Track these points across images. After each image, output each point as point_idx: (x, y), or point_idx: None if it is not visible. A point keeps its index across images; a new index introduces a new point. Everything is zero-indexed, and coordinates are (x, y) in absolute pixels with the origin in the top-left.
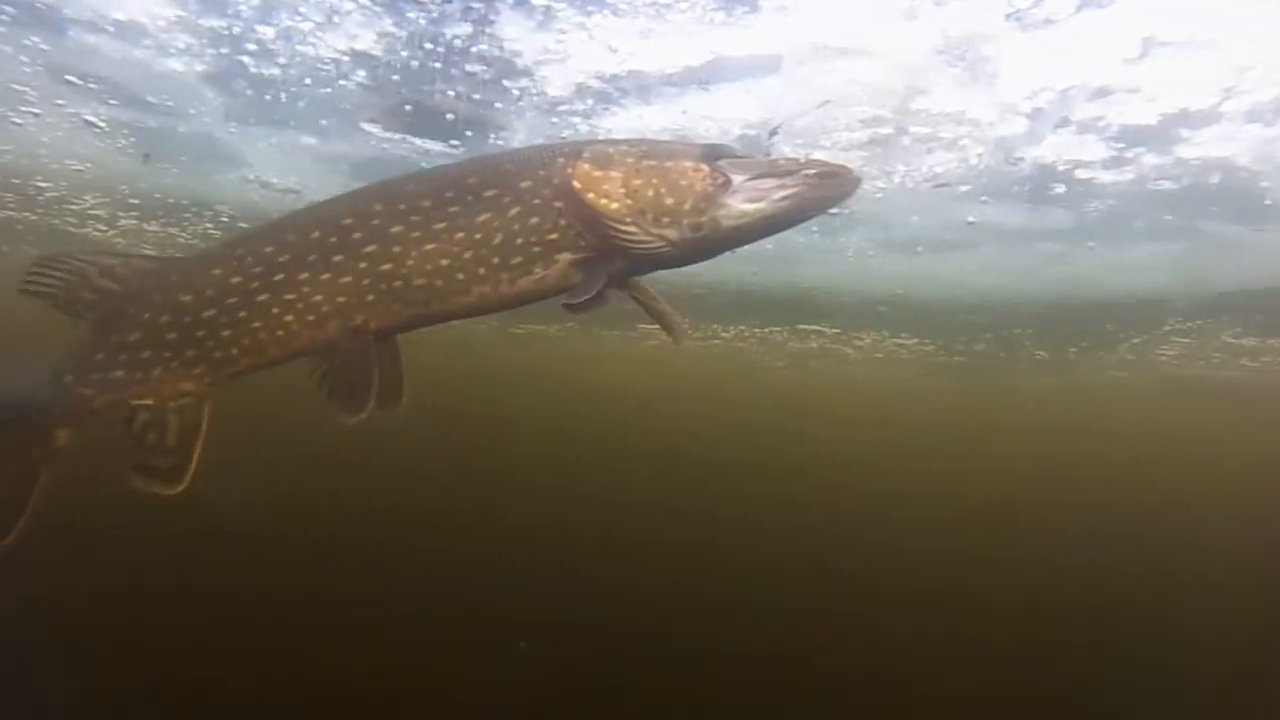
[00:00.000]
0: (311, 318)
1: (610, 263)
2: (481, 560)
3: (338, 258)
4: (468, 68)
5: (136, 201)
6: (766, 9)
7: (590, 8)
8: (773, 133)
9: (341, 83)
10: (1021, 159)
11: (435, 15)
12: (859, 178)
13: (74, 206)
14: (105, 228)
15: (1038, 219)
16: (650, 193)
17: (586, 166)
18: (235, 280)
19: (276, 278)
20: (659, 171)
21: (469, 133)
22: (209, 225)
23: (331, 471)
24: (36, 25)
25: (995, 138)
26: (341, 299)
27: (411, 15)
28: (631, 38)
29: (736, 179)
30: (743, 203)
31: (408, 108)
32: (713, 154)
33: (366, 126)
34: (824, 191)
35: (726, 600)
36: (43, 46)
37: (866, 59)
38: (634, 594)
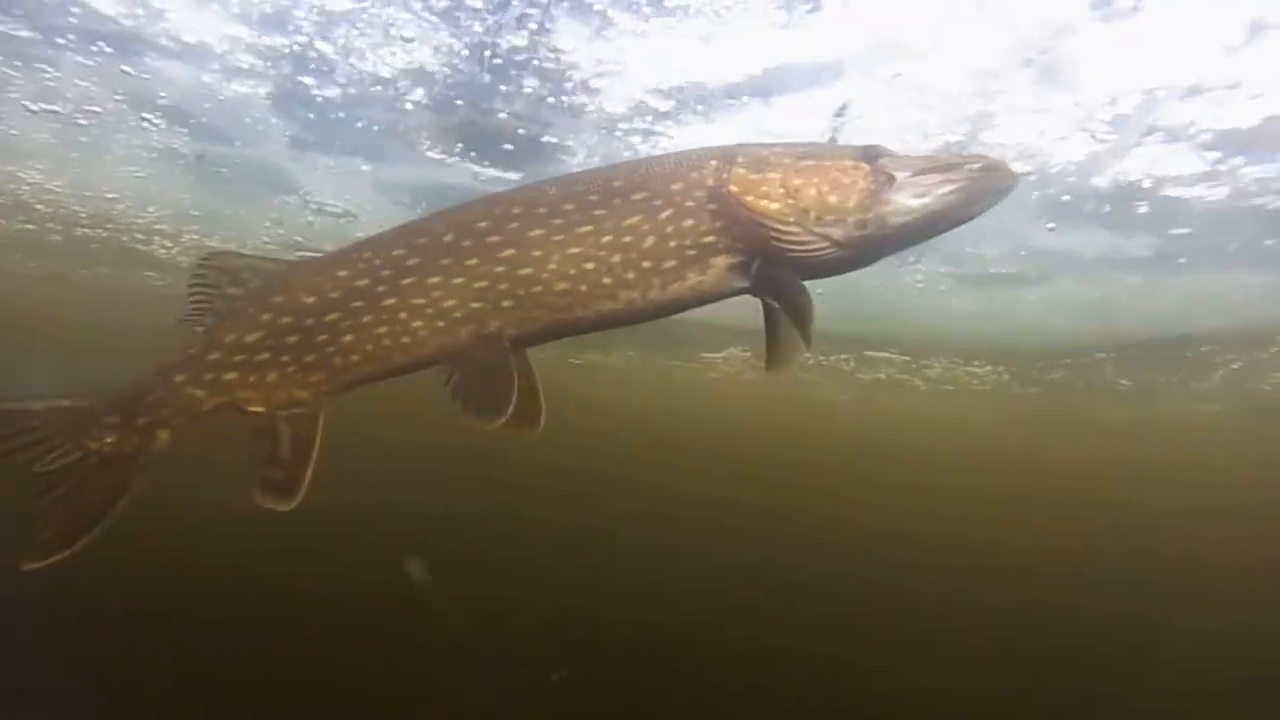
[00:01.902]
0: (442, 323)
1: (773, 267)
2: (549, 610)
3: (472, 261)
4: (525, 83)
5: (197, 214)
6: (830, 6)
7: (647, 10)
8: (840, 112)
9: (401, 103)
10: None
11: (491, 24)
12: (1018, 173)
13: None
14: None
15: (1118, 245)
16: (812, 191)
17: (742, 170)
18: (361, 283)
19: (405, 281)
20: (819, 171)
21: (528, 157)
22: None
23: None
24: (119, 51)
25: (1076, 150)
26: (476, 304)
27: (467, 24)
28: (691, 44)
29: (900, 175)
30: (909, 199)
31: (467, 128)
32: (871, 154)
33: (427, 153)
34: (987, 185)
35: (798, 651)
36: (124, 69)
37: (934, 61)
38: (706, 643)
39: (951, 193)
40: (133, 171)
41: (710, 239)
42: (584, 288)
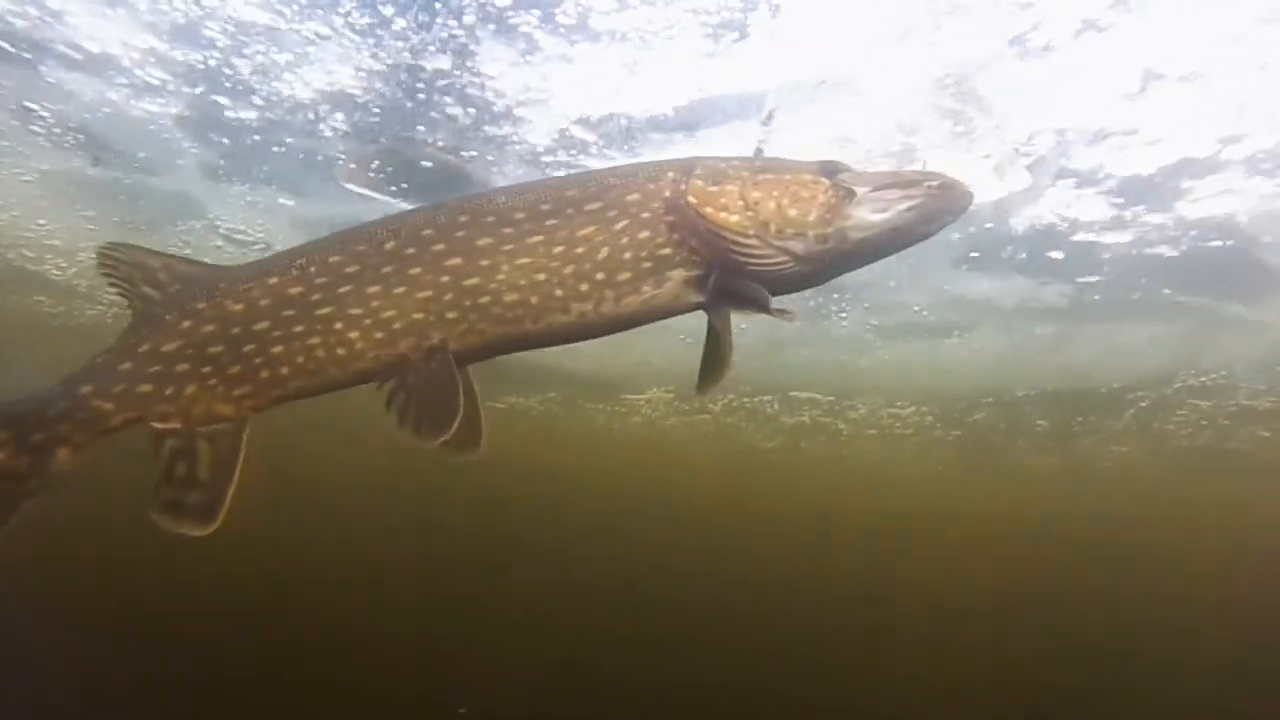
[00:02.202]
0: (380, 335)
1: (731, 281)
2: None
3: (415, 270)
4: (449, 109)
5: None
6: (756, 35)
7: (575, 37)
8: (766, 120)
9: (320, 129)
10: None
11: (414, 44)
12: (973, 193)
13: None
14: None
15: (1035, 293)
16: (772, 205)
17: (699, 182)
18: (294, 291)
19: (342, 289)
20: (778, 184)
21: (451, 189)
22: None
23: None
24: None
25: (993, 190)
26: (418, 315)
27: (390, 43)
28: (616, 72)
29: (860, 190)
30: (869, 214)
31: (389, 156)
32: (830, 169)
33: (346, 183)
34: (945, 203)
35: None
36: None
37: (858, 95)
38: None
39: (911, 209)
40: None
41: (667, 251)
42: (534, 299)
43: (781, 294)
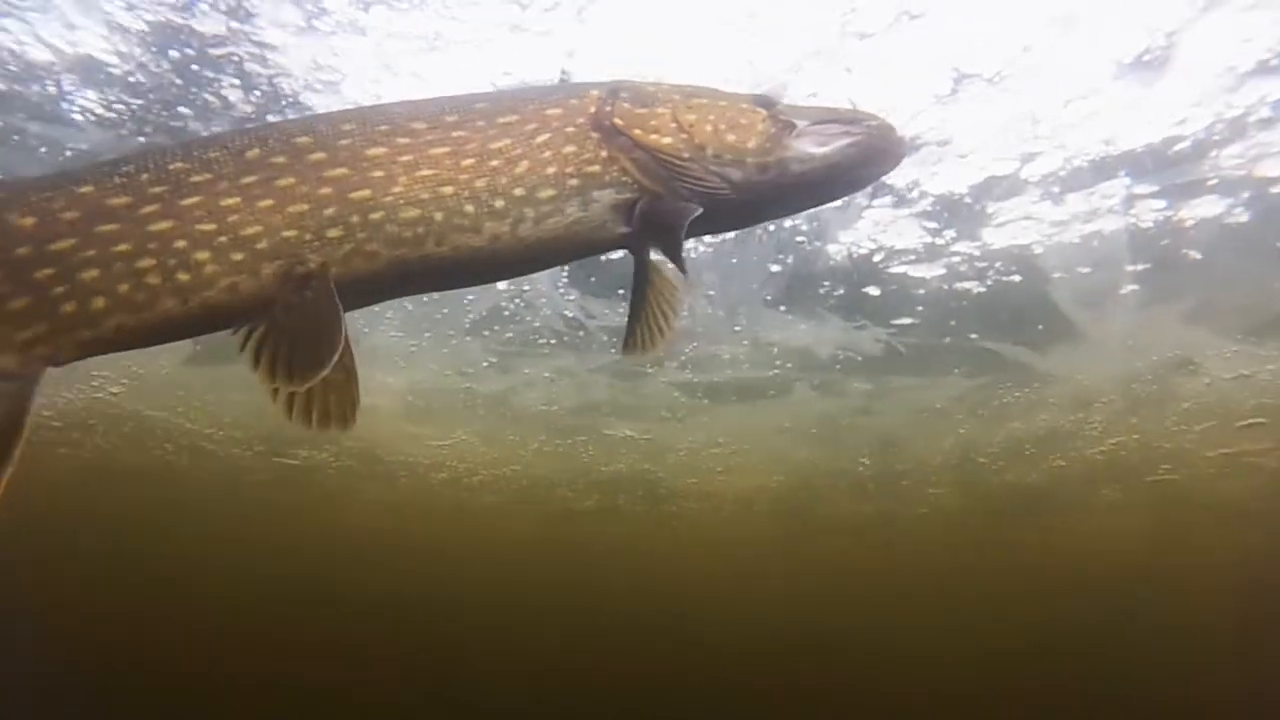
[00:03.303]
0: (240, 256)
1: (661, 209)
2: None
3: (286, 180)
4: (224, 91)
5: None
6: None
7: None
8: None
9: (66, 110)
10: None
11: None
12: (907, 141)
13: None
14: None
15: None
16: (709, 128)
17: (627, 104)
18: (118, 201)
19: (187, 200)
20: (714, 109)
21: None
22: None
23: None
24: None
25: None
26: (289, 233)
27: None
28: (416, 47)
29: (800, 123)
30: (811, 146)
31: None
32: (764, 100)
33: None
34: (884, 144)
35: None
36: None
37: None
38: None
39: (853, 145)
40: None
41: (595, 168)
42: (439, 216)
43: (709, 231)
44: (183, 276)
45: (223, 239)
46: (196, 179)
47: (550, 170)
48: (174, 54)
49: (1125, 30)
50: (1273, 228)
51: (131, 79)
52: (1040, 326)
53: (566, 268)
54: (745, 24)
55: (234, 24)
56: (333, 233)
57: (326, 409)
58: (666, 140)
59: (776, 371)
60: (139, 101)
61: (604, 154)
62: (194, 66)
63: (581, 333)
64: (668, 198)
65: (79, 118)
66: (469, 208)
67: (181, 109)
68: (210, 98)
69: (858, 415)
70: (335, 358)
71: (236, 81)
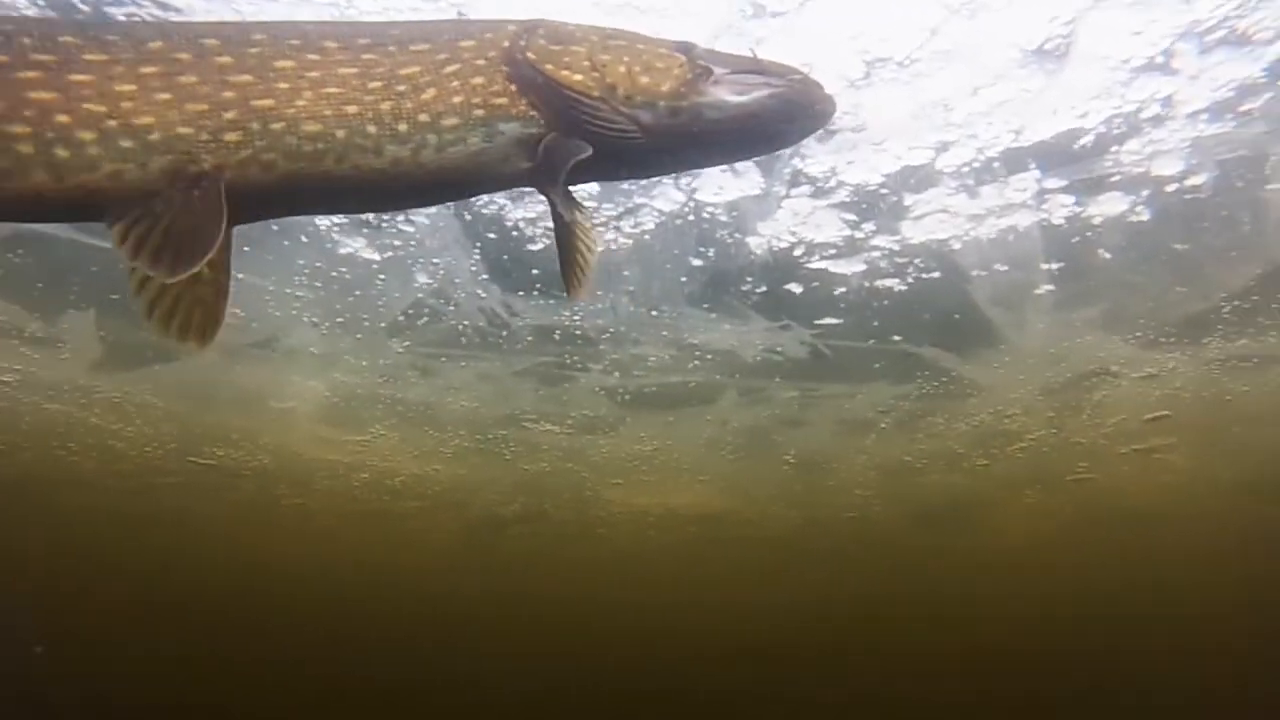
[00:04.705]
0: (128, 144)
1: (564, 147)
2: None
3: (189, 78)
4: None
5: None
6: None
7: None
8: None
9: None
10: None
11: None
12: (834, 99)
13: None
14: None
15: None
16: (622, 69)
17: (542, 41)
18: None
19: (77, 76)
20: (630, 50)
21: None
22: None
23: None
24: None
25: (725, 188)
26: (185, 130)
27: None
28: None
29: (718, 71)
30: (727, 94)
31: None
32: (684, 46)
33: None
34: (807, 101)
35: None
36: None
37: None
38: None
39: (772, 97)
40: None
41: (502, 101)
42: (341, 134)
43: (616, 177)
44: (61, 152)
45: (111, 123)
46: (89, 57)
47: (456, 100)
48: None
49: (1028, 17)
50: (1169, 228)
51: None
52: (959, 329)
53: (483, 260)
54: None
55: None
56: (230, 136)
57: (189, 320)
58: (579, 78)
59: (700, 376)
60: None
61: (513, 87)
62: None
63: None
64: (574, 135)
65: None
66: (371, 128)
67: None
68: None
69: (785, 425)
70: (208, 255)
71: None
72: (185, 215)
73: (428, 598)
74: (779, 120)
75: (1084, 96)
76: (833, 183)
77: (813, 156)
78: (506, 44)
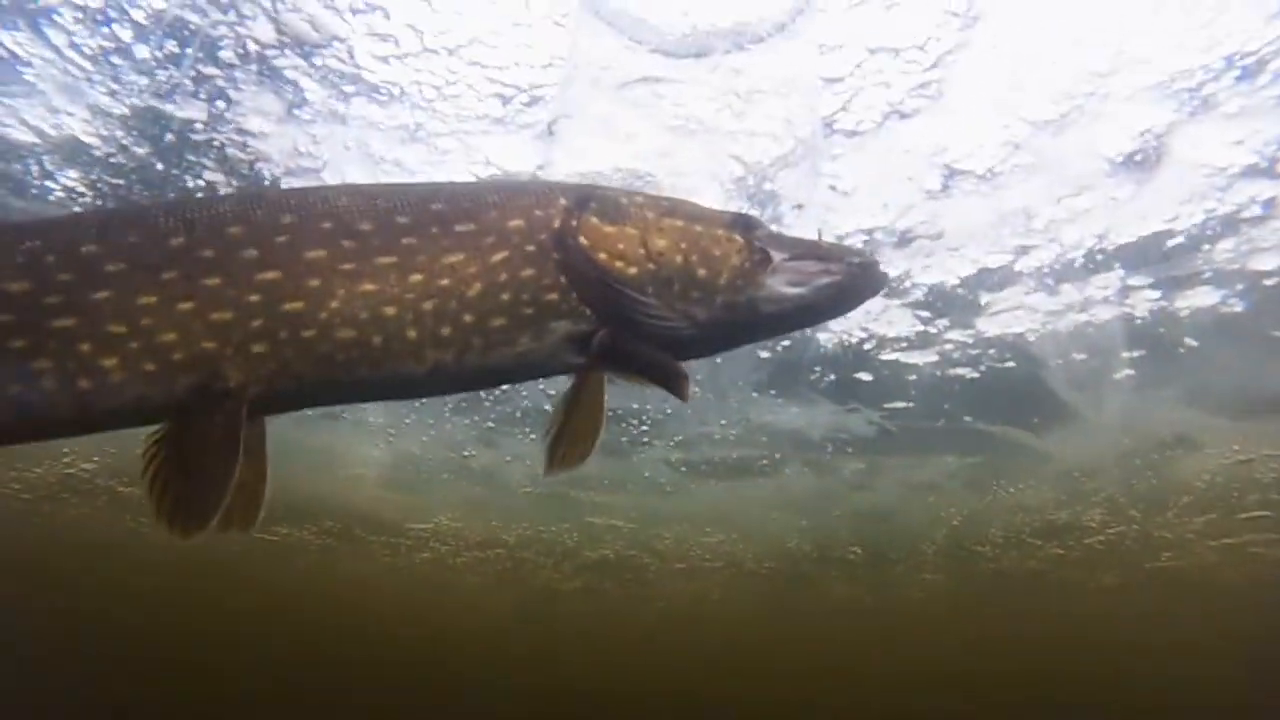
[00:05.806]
0: (151, 366)
1: (619, 343)
2: None
3: (213, 280)
4: (206, 175)
5: None
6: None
7: (346, 86)
8: (550, 129)
9: (49, 187)
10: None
11: (162, 83)
12: (889, 274)
13: None
14: None
15: (842, 422)
16: (679, 259)
17: (595, 219)
18: (15, 287)
19: (97, 294)
20: (688, 235)
21: None
22: None
23: None
24: None
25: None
26: (210, 345)
27: (131, 79)
28: (394, 136)
29: (777, 257)
30: (785, 286)
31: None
32: (744, 223)
33: None
34: (862, 283)
35: None
36: None
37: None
38: None
39: (829, 286)
40: None
41: (553, 297)
42: (377, 340)
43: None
44: (84, 383)
45: (135, 344)
46: (110, 268)
47: (505, 297)
48: (153, 133)
49: (1115, 132)
50: (1267, 316)
51: (113, 160)
52: (1035, 411)
53: None
54: (732, 118)
55: (215, 109)
56: (258, 348)
57: (230, 511)
58: (632, 271)
59: (765, 452)
60: (120, 181)
61: (564, 280)
62: (176, 150)
63: None
64: (627, 333)
65: (61, 194)
66: (412, 333)
67: (164, 192)
68: (191, 181)
69: (851, 491)
70: (218, 515)
71: (216, 165)
72: (200, 450)
73: None
74: (831, 307)
75: (1174, 201)
76: (907, 284)
77: (887, 260)
78: (557, 224)
